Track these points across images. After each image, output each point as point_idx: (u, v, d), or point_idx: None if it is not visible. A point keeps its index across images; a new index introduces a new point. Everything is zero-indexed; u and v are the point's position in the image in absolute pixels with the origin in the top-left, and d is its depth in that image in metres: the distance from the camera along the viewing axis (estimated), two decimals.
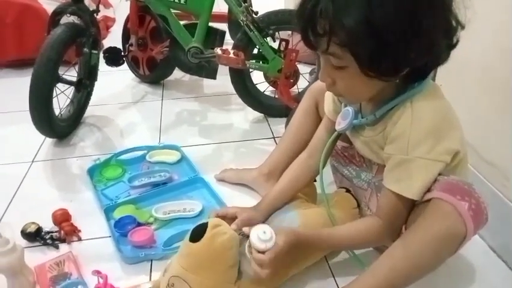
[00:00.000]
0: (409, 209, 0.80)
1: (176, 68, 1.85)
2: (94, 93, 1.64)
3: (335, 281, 0.92)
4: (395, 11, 0.65)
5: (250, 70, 1.57)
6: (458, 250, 0.77)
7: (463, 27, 0.71)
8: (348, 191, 1.01)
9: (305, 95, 1.14)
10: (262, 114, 1.64)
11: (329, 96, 0.97)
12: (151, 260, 0.98)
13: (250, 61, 1.53)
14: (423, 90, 0.77)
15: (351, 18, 0.65)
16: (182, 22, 1.61)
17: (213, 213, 0.97)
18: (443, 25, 0.70)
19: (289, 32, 1.63)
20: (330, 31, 0.68)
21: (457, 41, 0.73)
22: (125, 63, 1.83)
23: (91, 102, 1.65)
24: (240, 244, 0.83)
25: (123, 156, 1.36)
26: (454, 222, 0.72)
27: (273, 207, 0.98)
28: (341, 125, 0.88)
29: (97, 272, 0.91)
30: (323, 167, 0.95)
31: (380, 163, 0.88)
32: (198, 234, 0.79)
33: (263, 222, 0.95)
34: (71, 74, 1.54)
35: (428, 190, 0.76)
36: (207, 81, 1.87)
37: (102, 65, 1.65)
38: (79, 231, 1.06)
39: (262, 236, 0.76)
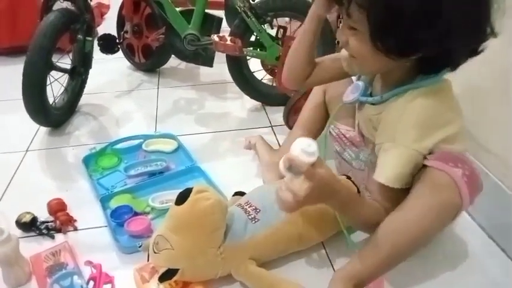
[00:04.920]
0: (398, 192, 0.80)
1: (173, 55, 1.83)
2: (88, 81, 1.62)
3: (331, 264, 0.91)
4: None
5: (248, 58, 1.55)
6: (456, 218, 0.77)
7: (495, 36, 0.70)
8: (348, 178, 1.01)
9: (314, 88, 1.16)
10: (259, 103, 1.63)
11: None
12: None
13: (248, 48, 1.51)
14: (429, 85, 0.77)
15: None
16: (178, 8, 1.59)
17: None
18: (469, 24, 0.68)
19: (287, 19, 1.61)
20: None
21: (481, 50, 0.71)
22: (120, 51, 1.81)
23: (85, 91, 1.63)
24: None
25: (119, 145, 1.34)
26: (449, 193, 0.73)
27: None
28: (349, 97, 0.89)
29: (89, 263, 0.90)
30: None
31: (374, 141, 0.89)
32: (183, 197, 0.82)
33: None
34: (65, 62, 1.52)
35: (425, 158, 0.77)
36: (203, 69, 1.84)
37: (97, 53, 1.63)
38: (75, 221, 1.05)
39: (307, 148, 0.68)
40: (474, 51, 0.73)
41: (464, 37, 0.70)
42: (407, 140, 0.76)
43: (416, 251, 0.78)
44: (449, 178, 0.72)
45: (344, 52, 0.96)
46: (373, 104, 0.86)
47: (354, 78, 0.98)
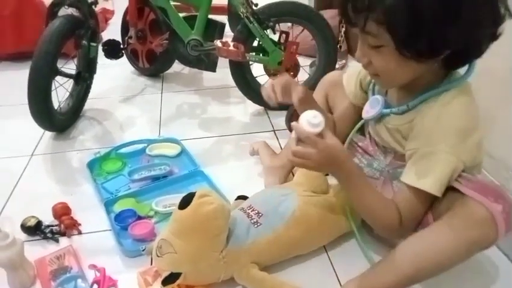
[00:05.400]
0: (426, 207, 0.79)
1: (176, 60, 1.85)
2: (93, 86, 1.64)
3: (336, 274, 0.92)
4: None
5: (250, 63, 1.56)
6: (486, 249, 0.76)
7: (510, 15, 0.69)
8: None
9: (316, 87, 1.15)
10: (262, 107, 1.63)
11: (350, 81, 0.98)
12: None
13: (250, 53, 1.52)
14: (458, 87, 0.76)
15: None
16: (181, 14, 1.60)
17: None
18: (488, 9, 0.67)
19: (290, 24, 1.62)
20: (368, 8, 0.68)
21: (500, 34, 0.70)
22: (125, 56, 1.83)
23: (90, 96, 1.64)
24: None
25: (123, 150, 1.35)
26: (486, 230, 0.71)
27: None
28: (369, 113, 0.88)
29: (93, 266, 0.91)
30: None
31: (400, 151, 0.87)
32: (186, 202, 0.83)
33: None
34: (70, 67, 1.53)
35: (456, 181, 0.75)
36: (206, 74, 1.86)
37: (101, 58, 1.64)
38: (79, 224, 1.06)
39: (312, 120, 0.75)
40: (493, 36, 0.71)
41: (485, 21, 0.68)
42: (450, 145, 0.74)
43: (436, 275, 0.76)
44: (488, 213, 0.70)
45: (344, 82, 0.99)
46: (395, 113, 0.84)
47: (350, 93, 1.00)
